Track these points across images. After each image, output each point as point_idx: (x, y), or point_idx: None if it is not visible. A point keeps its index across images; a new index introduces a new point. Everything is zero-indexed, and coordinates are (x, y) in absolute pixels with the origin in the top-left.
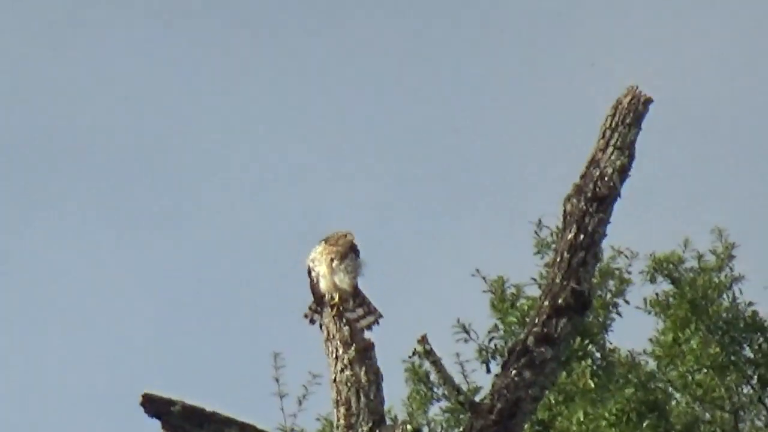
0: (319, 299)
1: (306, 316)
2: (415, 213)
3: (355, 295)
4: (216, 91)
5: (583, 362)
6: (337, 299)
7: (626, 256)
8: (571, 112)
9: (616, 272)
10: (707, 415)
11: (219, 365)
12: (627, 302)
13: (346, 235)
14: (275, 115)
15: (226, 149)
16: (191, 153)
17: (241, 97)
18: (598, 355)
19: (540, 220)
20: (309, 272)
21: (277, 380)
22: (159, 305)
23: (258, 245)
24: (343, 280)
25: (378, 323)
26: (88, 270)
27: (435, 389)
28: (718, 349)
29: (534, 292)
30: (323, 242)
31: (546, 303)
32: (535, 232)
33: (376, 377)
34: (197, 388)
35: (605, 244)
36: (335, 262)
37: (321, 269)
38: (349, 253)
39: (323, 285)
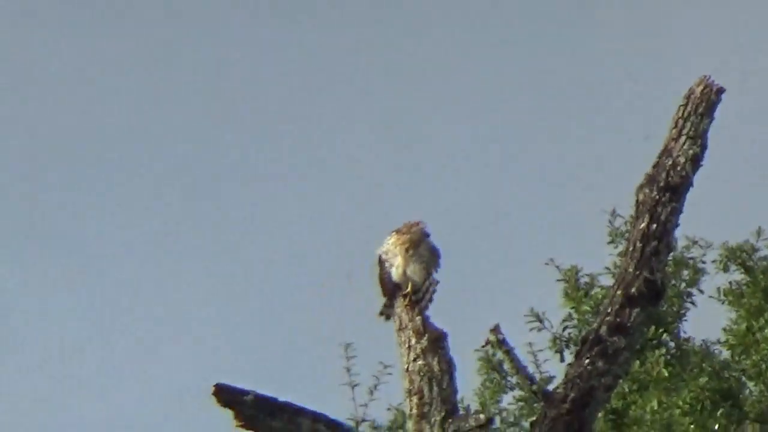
0: (388, 292)
1: (381, 313)
2: (489, 202)
3: (426, 281)
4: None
5: (656, 351)
6: (409, 289)
7: (700, 246)
8: (645, 100)
9: (691, 262)
10: None
11: (291, 356)
12: (701, 291)
13: (417, 224)
14: (345, 117)
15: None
16: (263, 166)
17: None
18: (672, 344)
19: (614, 210)
20: (380, 263)
21: (348, 370)
22: (231, 298)
23: (330, 237)
24: (415, 271)
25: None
26: (159, 266)
27: (508, 379)
28: None
29: (607, 281)
30: (394, 233)
31: (619, 292)
32: (609, 222)
33: (448, 367)
34: (269, 379)
35: (680, 233)
36: (410, 251)
37: (396, 260)
38: (422, 241)
39: (396, 275)
